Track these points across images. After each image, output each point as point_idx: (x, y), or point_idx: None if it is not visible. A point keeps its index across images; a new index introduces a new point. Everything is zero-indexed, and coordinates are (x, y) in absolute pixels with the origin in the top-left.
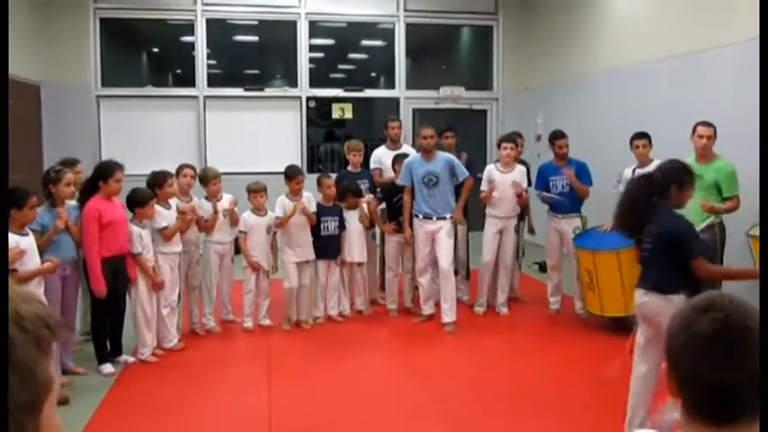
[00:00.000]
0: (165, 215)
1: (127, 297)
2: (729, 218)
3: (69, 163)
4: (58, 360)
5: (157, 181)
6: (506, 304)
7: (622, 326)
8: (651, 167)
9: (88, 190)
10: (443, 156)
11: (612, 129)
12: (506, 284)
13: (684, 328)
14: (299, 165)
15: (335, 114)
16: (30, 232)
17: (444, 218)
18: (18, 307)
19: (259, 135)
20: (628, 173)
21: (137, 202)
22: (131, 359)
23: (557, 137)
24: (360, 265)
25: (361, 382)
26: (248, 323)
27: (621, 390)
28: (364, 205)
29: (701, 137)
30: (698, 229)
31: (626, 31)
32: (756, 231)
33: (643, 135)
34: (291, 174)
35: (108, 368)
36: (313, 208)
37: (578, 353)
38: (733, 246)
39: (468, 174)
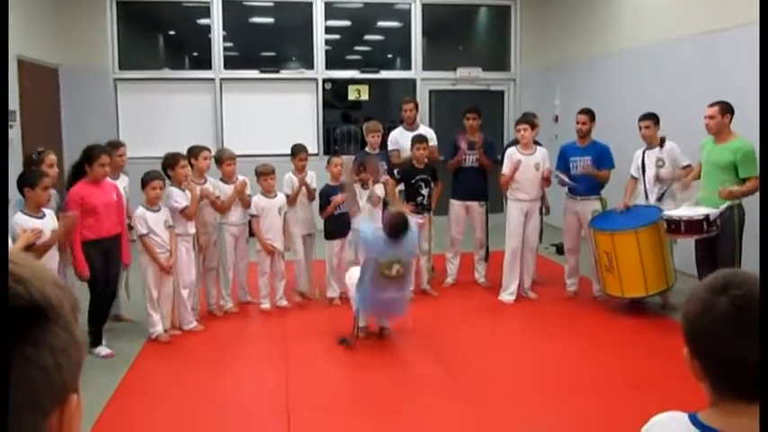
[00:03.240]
0: (181, 196)
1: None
2: (747, 199)
3: (113, 145)
4: None
5: (170, 163)
6: (532, 288)
7: (641, 307)
8: (665, 148)
9: (76, 174)
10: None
11: (631, 110)
12: (532, 268)
13: (705, 311)
14: (316, 147)
15: (351, 96)
16: (46, 213)
17: None
18: (49, 273)
19: (275, 117)
20: (638, 155)
21: (142, 184)
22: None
23: (579, 112)
24: None
25: (380, 363)
26: (265, 304)
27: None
28: (377, 187)
29: (705, 117)
30: (717, 211)
31: (644, 10)
32: None
33: (647, 116)
34: (295, 150)
35: (104, 350)
36: (314, 184)
37: (604, 335)
38: (750, 229)
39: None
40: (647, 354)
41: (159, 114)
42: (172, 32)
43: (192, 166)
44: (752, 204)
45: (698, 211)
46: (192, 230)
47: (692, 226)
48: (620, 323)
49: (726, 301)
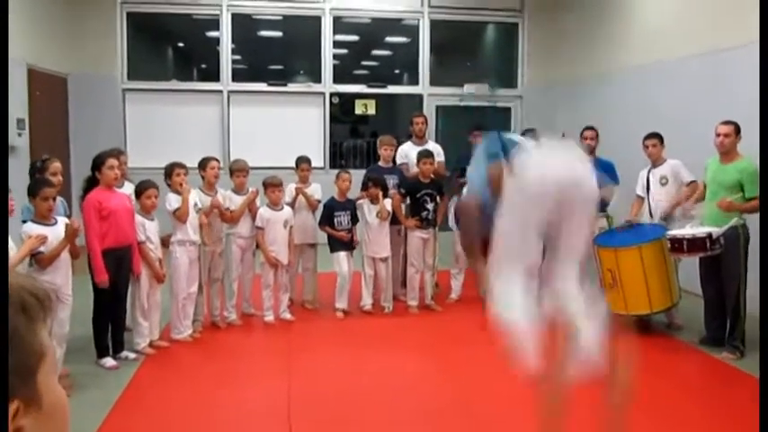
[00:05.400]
0: (175, 199)
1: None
2: (752, 219)
3: (116, 153)
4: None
5: (167, 171)
6: None
7: (647, 325)
8: (665, 167)
9: (90, 183)
10: None
11: (636, 128)
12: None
13: None
14: (322, 160)
15: (358, 110)
16: (58, 220)
17: None
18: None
19: (282, 130)
20: (643, 174)
21: (136, 193)
22: (132, 355)
23: (585, 129)
24: (383, 260)
25: (383, 378)
26: (269, 317)
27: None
28: (386, 201)
29: (718, 135)
30: (720, 230)
31: (651, 28)
32: None
33: (653, 135)
34: (297, 161)
35: (109, 362)
36: (317, 196)
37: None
38: (755, 247)
39: None
40: (651, 374)
41: (166, 125)
42: (181, 44)
43: (202, 177)
44: (754, 223)
45: (702, 230)
46: (195, 238)
47: (695, 244)
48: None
49: None
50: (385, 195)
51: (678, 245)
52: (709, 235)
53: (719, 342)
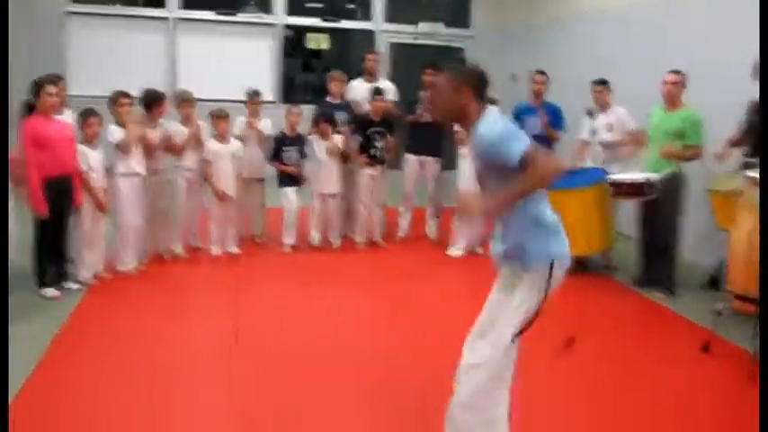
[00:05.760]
0: (118, 131)
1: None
2: (689, 166)
3: (54, 79)
4: None
5: (111, 99)
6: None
7: (584, 266)
8: (611, 115)
9: (28, 110)
10: None
11: (584, 74)
12: (482, 224)
13: None
14: (274, 94)
15: (311, 45)
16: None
17: None
18: None
19: (232, 62)
20: (588, 119)
21: (78, 121)
22: (75, 286)
23: (535, 72)
24: (332, 196)
25: (330, 313)
26: (215, 250)
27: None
28: (336, 137)
29: (665, 83)
30: (657, 176)
31: None
32: (715, 186)
33: (601, 81)
34: (248, 94)
35: (51, 292)
36: (268, 131)
37: None
38: (691, 197)
39: None
40: (590, 311)
41: (111, 52)
42: None
43: (149, 111)
44: (694, 170)
45: (641, 176)
46: (140, 169)
47: (635, 188)
48: (564, 280)
49: None
50: (335, 131)
51: (619, 189)
52: (648, 180)
53: (652, 283)
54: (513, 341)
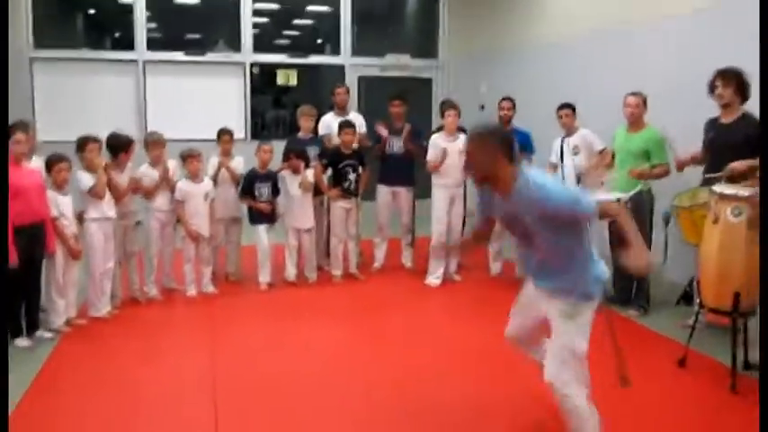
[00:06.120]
0: (87, 177)
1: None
2: (657, 184)
3: (21, 126)
4: None
5: (79, 145)
6: (457, 271)
7: None
8: (577, 137)
9: None
10: None
11: (551, 99)
12: (458, 252)
13: None
14: (244, 132)
15: (280, 81)
16: None
17: None
18: None
19: (202, 101)
20: (557, 143)
21: (46, 167)
22: (48, 334)
23: (502, 99)
24: (307, 231)
25: (308, 349)
26: (191, 291)
27: None
28: (308, 171)
29: (628, 105)
30: (626, 196)
31: (566, 3)
32: (681, 202)
33: (566, 105)
34: (219, 133)
35: (23, 342)
36: (240, 170)
37: None
38: (660, 213)
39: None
40: None
41: (78, 96)
42: (92, 11)
43: (115, 156)
44: (661, 187)
45: (611, 196)
46: (111, 214)
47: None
48: None
49: None
50: (306, 166)
51: None
52: (618, 200)
53: (626, 301)
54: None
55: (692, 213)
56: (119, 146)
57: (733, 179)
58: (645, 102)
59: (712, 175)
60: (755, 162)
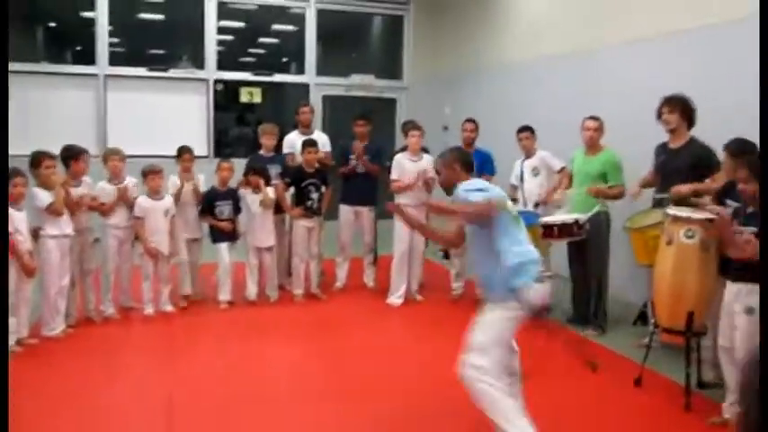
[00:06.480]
0: (45, 194)
1: None
2: (614, 206)
3: None
4: None
5: (33, 161)
6: (419, 291)
7: None
8: (536, 159)
9: None
10: None
11: (513, 120)
12: (419, 272)
13: None
14: (207, 149)
15: (244, 98)
16: None
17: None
18: None
19: (164, 118)
20: (518, 164)
21: None
22: None
23: (465, 121)
24: (268, 249)
25: (267, 369)
26: (149, 309)
27: None
28: (269, 189)
29: (587, 129)
30: (585, 217)
31: (528, 27)
32: (632, 224)
33: (525, 128)
34: (179, 151)
35: None
36: (202, 187)
37: None
38: (616, 235)
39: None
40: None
41: (36, 110)
42: (52, 24)
43: (67, 167)
44: (617, 210)
45: (570, 217)
46: (69, 231)
47: (565, 229)
48: None
49: None
50: (267, 184)
51: (550, 230)
52: (577, 221)
53: (584, 320)
54: None
55: (644, 234)
56: (70, 155)
57: (678, 202)
58: (602, 125)
59: (661, 196)
60: (699, 186)
